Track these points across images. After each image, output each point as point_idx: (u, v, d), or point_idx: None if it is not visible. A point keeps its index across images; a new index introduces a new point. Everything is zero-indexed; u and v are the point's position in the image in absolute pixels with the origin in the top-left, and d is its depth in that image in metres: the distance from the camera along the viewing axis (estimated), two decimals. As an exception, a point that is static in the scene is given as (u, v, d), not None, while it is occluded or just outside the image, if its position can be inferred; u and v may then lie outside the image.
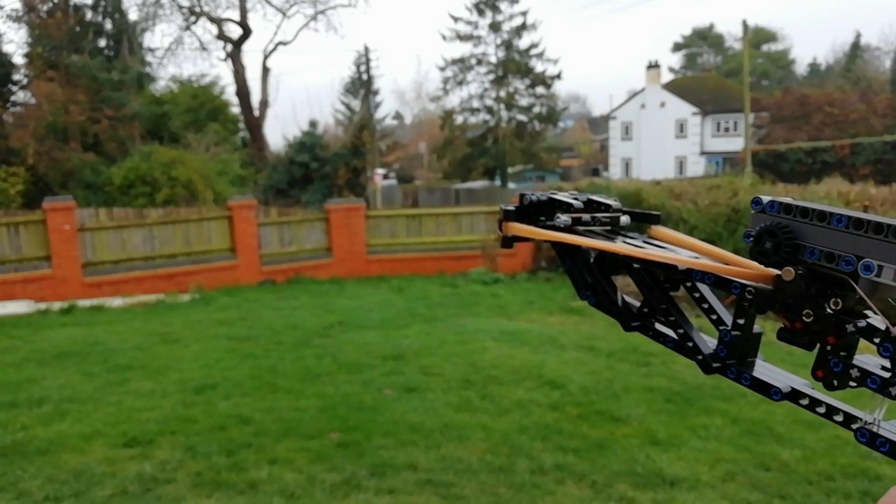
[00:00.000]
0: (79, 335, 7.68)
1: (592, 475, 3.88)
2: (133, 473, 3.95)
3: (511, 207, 0.66)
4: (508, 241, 0.66)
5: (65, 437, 4.53)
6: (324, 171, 20.32)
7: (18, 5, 21.76)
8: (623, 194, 11.26)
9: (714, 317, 0.61)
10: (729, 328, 0.57)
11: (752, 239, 0.53)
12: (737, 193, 10.16)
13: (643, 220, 0.67)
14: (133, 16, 24.61)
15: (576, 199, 0.67)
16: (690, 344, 0.59)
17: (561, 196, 0.67)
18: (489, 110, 35.56)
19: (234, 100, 25.84)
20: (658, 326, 0.64)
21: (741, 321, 0.57)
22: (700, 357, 0.58)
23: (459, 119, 36.30)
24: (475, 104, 35.85)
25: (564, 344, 6.88)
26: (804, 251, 0.51)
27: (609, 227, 0.67)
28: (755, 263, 0.54)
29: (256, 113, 25.92)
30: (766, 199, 0.54)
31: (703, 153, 35.43)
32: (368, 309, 8.94)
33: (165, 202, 17.33)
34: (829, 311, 0.50)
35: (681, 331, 0.61)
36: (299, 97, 49.76)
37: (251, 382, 5.69)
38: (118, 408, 5.12)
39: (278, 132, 70.93)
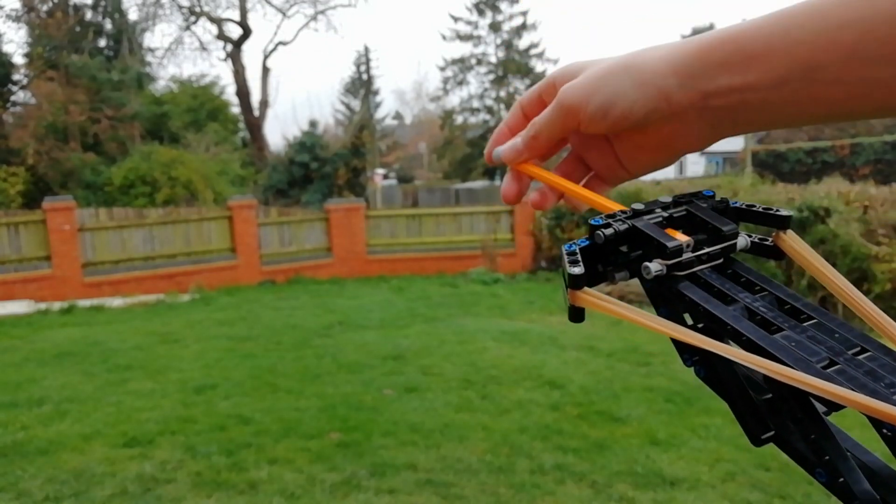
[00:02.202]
0: (79, 335, 7.68)
1: (592, 475, 3.88)
2: (133, 473, 3.94)
3: (572, 266, 0.45)
4: (576, 314, 0.47)
5: (65, 437, 4.53)
6: (324, 171, 20.32)
7: (18, 5, 21.78)
8: (623, 195, 11.26)
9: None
10: None
11: None
12: (737, 193, 10.16)
13: (763, 223, 0.47)
14: (133, 16, 24.63)
15: (671, 215, 0.47)
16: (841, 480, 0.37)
17: (642, 225, 0.46)
18: (489, 110, 35.56)
19: (234, 100, 25.86)
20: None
21: None
22: None
23: (459, 119, 36.31)
24: (475, 104, 35.86)
25: (564, 344, 6.88)
26: None
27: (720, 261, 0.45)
28: None
29: (256, 113, 25.92)
30: None
31: (703, 153, 35.44)
32: (368, 309, 8.94)
33: (165, 202, 17.33)
34: None
35: (827, 458, 0.38)
36: (299, 97, 49.74)
37: (251, 382, 5.69)
38: (118, 408, 5.12)
39: (278, 132, 70.88)
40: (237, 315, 8.73)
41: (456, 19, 35.48)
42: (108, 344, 7.18)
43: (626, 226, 0.46)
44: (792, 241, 0.46)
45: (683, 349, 0.43)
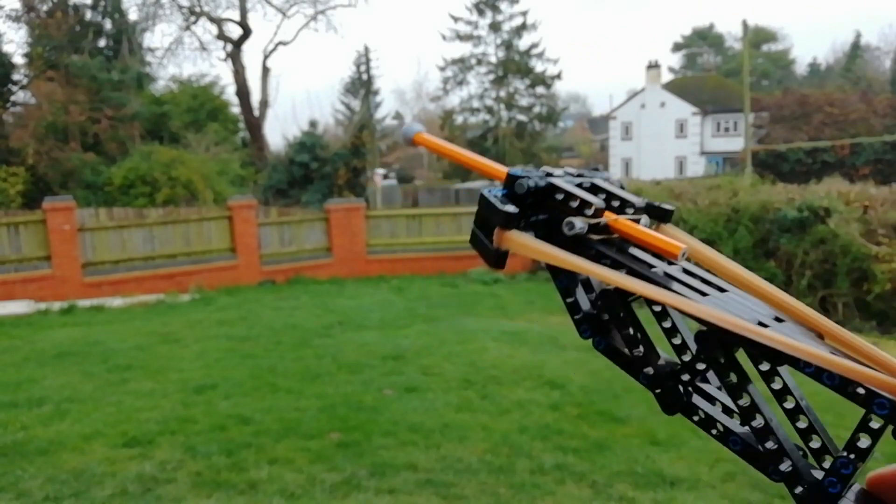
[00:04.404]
0: (79, 335, 7.68)
1: (592, 475, 3.88)
2: (133, 473, 3.94)
3: (503, 205, 0.45)
4: (501, 258, 0.47)
5: (65, 437, 4.53)
6: (324, 171, 20.32)
7: (18, 5, 21.78)
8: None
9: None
10: (847, 455, 0.38)
11: None
12: (737, 193, 10.16)
13: (653, 216, 0.49)
14: (133, 16, 24.63)
15: (581, 185, 0.48)
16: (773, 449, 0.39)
17: (563, 183, 0.46)
18: (489, 110, 35.56)
19: (234, 100, 25.87)
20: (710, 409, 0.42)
21: (865, 444, 0.38)
22: (800, 488, 0.38)
23: (459, 119, 36.31)
24: (475, 104, 35.86)
25: (564, 344, 6.88)
26: None
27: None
28: None
29: (256, 113, 25.92)
30: None
31: (703, 153, 35.42)
32: (368, 309, 8.94)
33: (165, 202, 17.34)
34: None
35: (759, 423, 0.40)
36: (299, 97, 49.81)
37: (251, 382, 5.69)
38: (118, 408, 5.12)
39: (278, 132, 70.83)
40: (237, 315, 8.72)
41: (456, 19, 35.49)
42: (108, 344, 7.18)
43: (545, 182, 0.46)
44: (673, 231, 0.48)
45: (581, 322, 0.46)
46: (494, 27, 34.85)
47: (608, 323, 0.46)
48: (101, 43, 23.50)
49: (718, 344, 0.40)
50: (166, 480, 3.86)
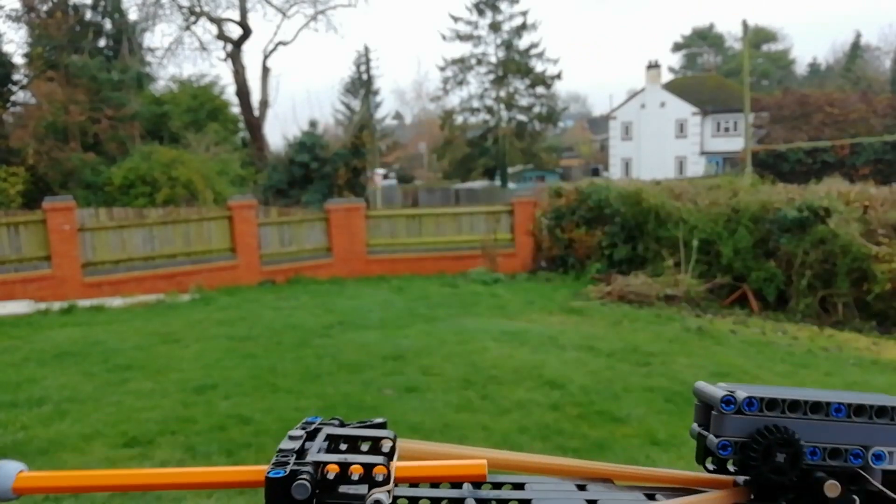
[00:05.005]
0: (79, 335, 7.67)
1: (592, 475, 3.87)
2: (133, 473, 3.94)
3: None
4: None
5: (65, 437, 4.53)
6: (324, 171, 20.31)
7: (18, 5, 21.77)
8: (623, 194, 11.25)
9: None
10: None
11: (731, 449, 0.43)
12: (737, 193, 10.16)
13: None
14: (133, 16, 24.61)
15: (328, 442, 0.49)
16: None
17: (329, 457, 0.47)
18: (489, 110, 35.58)
19: (234, 100, 25.86)
20: None
21: None
22: None
23: (459, 119, 36.33)
24: (475, 104, 35.88)
25: (564, 344, 6.88)
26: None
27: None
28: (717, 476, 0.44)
29: (256, 113, 25.91)
30: (740, 395, 0.44)
31: (703, 153, 35.43)
32: (368, 309, 8.94)
33: (165, 202, 17.33)
34: None
35: None
36: (299, 97, 49.90)
37: (251, 382, 5.69)
38: (118, 408, 5.12)
39: (278, 132, 70.92)
40: (237, 315, 8.72)
41: (456, 19, 35.51)
42: (108, 344, 7.18)
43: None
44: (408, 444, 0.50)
45: None
46: (494, 27, 34.87)
47: None
48: (101, 43, 23.48)
49: None
50: (166, 480, 3.86)
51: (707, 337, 7.48)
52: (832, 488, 0.41)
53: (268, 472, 0.44)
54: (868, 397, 0.42)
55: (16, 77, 21.88)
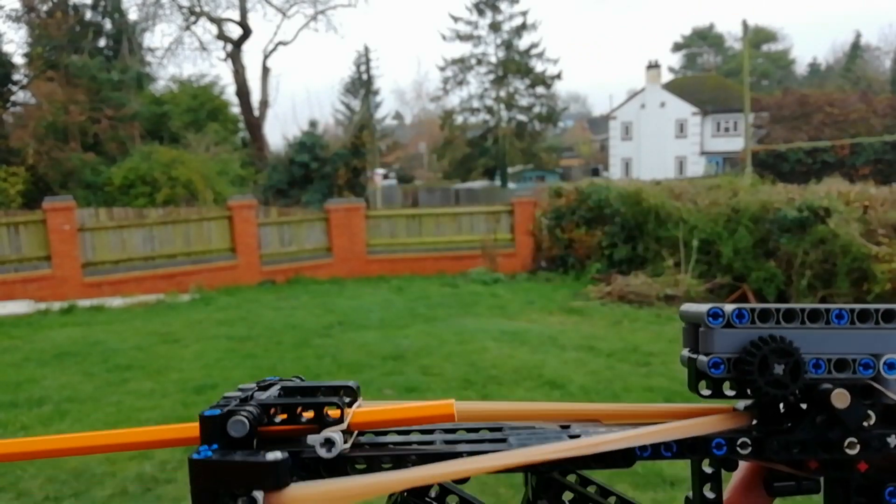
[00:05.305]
0: (79, 335, 7.68)
1: (592, 475, 3.88)
2: (133, 473, 3.94)
3: (257, 455, 0.37)
4: None
5: (65, 437, 4.53)
6: (324, 171, 20.32)
7: (18, 5, 21.78)
8: (623, 194, 11.25)
9: None
10: None
11: (724, 367, 0.41)
12: (737, 193, 10.16)
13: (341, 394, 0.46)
14: (133, 16, 24.65)
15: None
16: None
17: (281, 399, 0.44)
18: (489, 110, 35.59)
19: (234, 100, 25.88)
20: None
21: (712, 496, 0.42)
22: None
23: (459, 119, 36.33)
24: (475, 104, 35.89)
25: (564, 344, 6.88)
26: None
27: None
28: (714, 405, 0.42)
29: (256, 113, 25.93)
30: (728, 307, 0.41)
31: (703, 153, 35.44)
32: (368, 309, 8.94)
33: (165, 202, 17.34)
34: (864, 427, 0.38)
35: None
36: (299, 97, 49.93)
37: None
38: (118, 408, 5.12)
39: (278, 132, 71.01)
40: (237, 315, 8.73)
41: (456, 19, 35.51)
42: (108, 344, 7.18)
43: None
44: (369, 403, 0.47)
45: None
46: (494, 27, 34.88)
47: None
48: (101, 43, 23.51)
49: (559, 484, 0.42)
50: (166, 480, 3.86)
51: (707, 337, 7.47)
52: (840, 397, 0.38)
53: (202, 412, 0.40)
54: (877, 305, 0.39)
55: (16, 77, 21.90)
